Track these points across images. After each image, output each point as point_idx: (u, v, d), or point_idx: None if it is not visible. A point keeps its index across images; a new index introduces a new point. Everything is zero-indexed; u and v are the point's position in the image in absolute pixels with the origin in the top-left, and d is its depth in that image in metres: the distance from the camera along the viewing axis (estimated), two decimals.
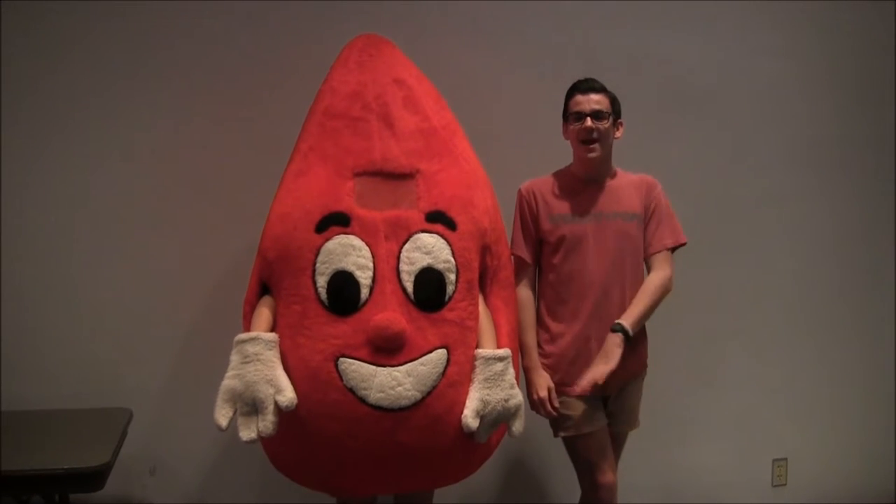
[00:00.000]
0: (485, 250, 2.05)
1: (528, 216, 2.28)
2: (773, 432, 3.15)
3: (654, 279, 2.26)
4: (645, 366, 2.35)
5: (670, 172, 2.70)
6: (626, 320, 2.16)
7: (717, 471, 3.08)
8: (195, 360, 2.52)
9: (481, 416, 1.89)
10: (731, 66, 3.02)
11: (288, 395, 1.80)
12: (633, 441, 2.41)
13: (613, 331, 2.15)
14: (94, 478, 1.89)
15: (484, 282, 2.08)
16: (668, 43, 2.92)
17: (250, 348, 1.85)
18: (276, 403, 1.79)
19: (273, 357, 1.85)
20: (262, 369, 1.82)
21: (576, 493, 2.34)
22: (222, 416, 1.82)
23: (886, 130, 3.24)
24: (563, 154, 2.31)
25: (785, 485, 3.18)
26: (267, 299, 2.00)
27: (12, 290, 2.40)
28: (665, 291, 2.27)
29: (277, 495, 2.55)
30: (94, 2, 2.42)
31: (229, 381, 1.83)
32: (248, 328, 1.97)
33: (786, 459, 3.17)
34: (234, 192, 2.52)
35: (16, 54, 2.37)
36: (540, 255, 2.30)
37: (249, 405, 1.82)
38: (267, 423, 1.80)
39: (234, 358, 1.86)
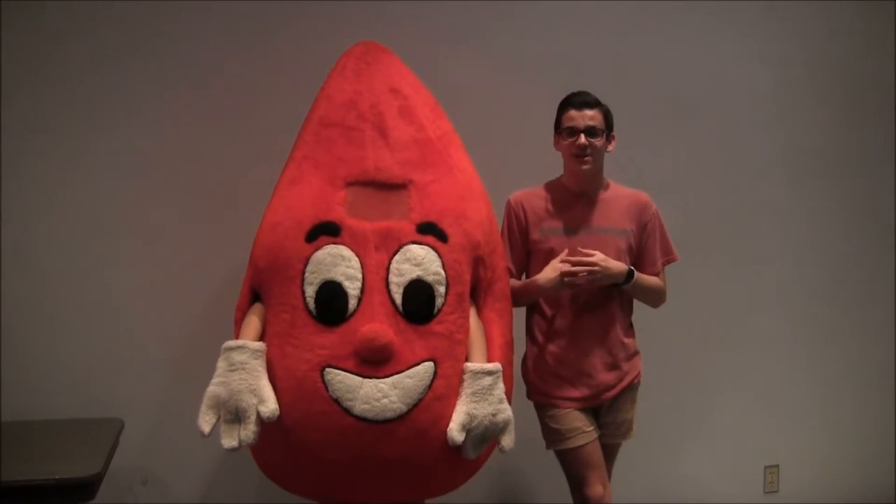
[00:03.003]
0: (477, 263, 2.04)
1: (515, 227, 2.28)
2: (764, 439, 3.16)
3: (660, 280, 2.31)
4: (638, 375, 2.35)
5: (663, 180, 2.73)
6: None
7: (709, 478, 3.09)
8: (187, 371, 2.50)
9: (468, 431, 1.88)
10: (723, 73, 3.03)
11: (270, 406, 1.80)
12: (626, 449, 2.41)
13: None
14: (84, 488, 1.89)
15: (477, 294, 2.07)
16: (660, 52, 2.94)
17: (237, 356, 1.85)
18: (258, 413, 1.80)
19: (259, 366, 1.86)
20: (247, 378, 1.83)
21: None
22: (205, 422, 1.83)
23: (878, 137, 3.26)
24: (562, 164, 2.31)
25: (777, 491, 3.19)
26: (257, 307, 2.00)
27: (4, 301, 2.39)
28: (662, 293, 2.32)
29: None
30: (89, 8, 2.43)
31: (214, 388, 1.84)
32: (238, 335, 1.97)
33: (777, 466, 3.18)
34: (228, 201, 2.52)
35: (13, 61, 2.38)
36: (528, 266, 2.30)
37: (232, 413, 1.82)
38: (248, 432, 1.81)
39: (221, 365, 1.86)
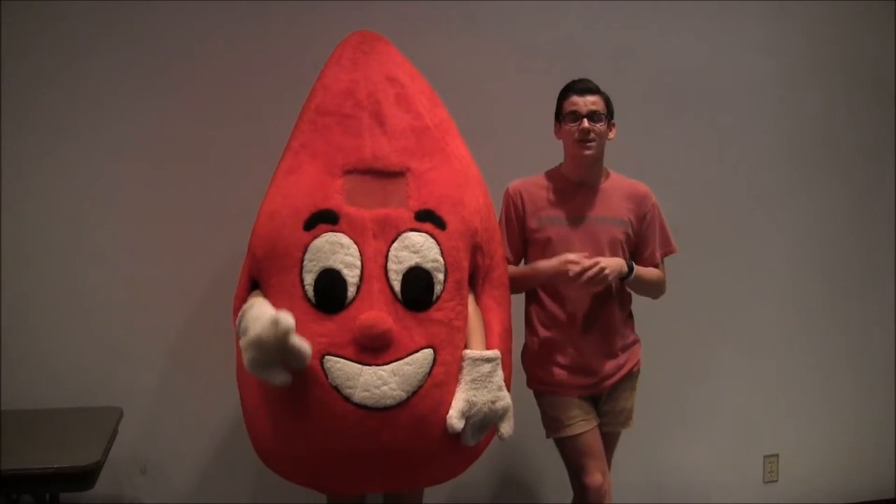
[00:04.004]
0: (475, 250, 2.04)
1: (513, 216, 2.28)
2: (764, 428, 3.17)
3: (660, 272, 2.30)
4: (637, 363, 2.35)
5: (660, 170, 2.72)
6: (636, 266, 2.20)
7: (709, 468, 3.10)
8: (186, 360, 2.52)
9: (467, 418, 1.88)
10: (721, 63, 3.03)
11: (275, 315, 1.73)
12: (625, 438, 2.41)
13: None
14: (84, 477, 1.88)
15: (475, 281, 2.07)
16: (658, 40, 2.93)
17: (248, 310, 1.85)
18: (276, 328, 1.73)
19: (261, 300, 1.87)
20: (255, 313, 1.79)
21: (568, 493, 2.34)
22: (277, 376, 1.77)
23: (876, 126, 3.25)
24: (559, 153, 2.30)
25: (776, 481, 3.19)
26: (257, 294, 1.99)
27: (4, 289, 2.39)
28: (662, 284, 2.31)
29: (269, 495, 2.56)
30: (88, 3, 2.42)
31: (248, 357, 1.77)
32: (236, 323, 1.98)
33: (777, 455, 3.19)
34: (226, 192, 2.52)
35: (15, 57, 2.37)
36: (526, 255, 2.30)
37: (268, 353, 1.76)
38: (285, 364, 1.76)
39: (242, 336, 1.84)
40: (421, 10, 2.66)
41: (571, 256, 2.11)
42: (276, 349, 1.72)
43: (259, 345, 1.73)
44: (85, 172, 2.45)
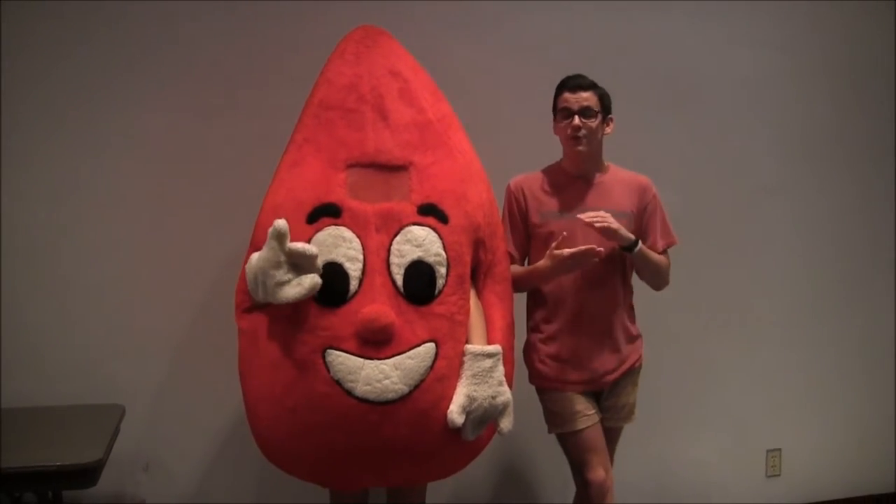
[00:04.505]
0: (478, 245, 2.04)
1: (516, 211, 2.28)
2: (766, 423, 3.16)
3: (665, 258, 2.29)
4: (640, 359, 2.35)
5: (663, 165, 2.72)
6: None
7: (711, 462, 3.09)
8: (189, 357, 2.52)
9: (467, 413, 1.88)
10: (726, 58, 3.02)
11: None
12: (628, 433, 2.41)
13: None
14: (86, 474, 1.88)
15: (478, 276, 2.07)
16: (663, 34, 2.93)
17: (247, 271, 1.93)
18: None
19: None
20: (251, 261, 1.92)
21: (570, 489, 2.35)
22: (305, 284, 1.82)
23: (881, 121, 3.25)
24: (560, 148, 2.29)
25: (779, 475, 3.19)
26: None
27: (5, 286, 2.39)
28: (666, 272, 2.30)
29: (272, 492, 2.56)
30: (88, 2, 2.41)
31: (269, 285, 1.84)
32: (240, 317, 2.00)
33: (779, 450, 3.19)
34: (229, 189, 2.51)
35: (14, 52, 2.36)
36: (529, 250, 2.30)
37: (283, 268, 1.82)
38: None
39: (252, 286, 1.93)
40: (421, 8, 2.65)
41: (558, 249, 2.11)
42: (279, 253, 1.79)
43: (266, 261, 1.81)
44: (85, 169, 2.44)
